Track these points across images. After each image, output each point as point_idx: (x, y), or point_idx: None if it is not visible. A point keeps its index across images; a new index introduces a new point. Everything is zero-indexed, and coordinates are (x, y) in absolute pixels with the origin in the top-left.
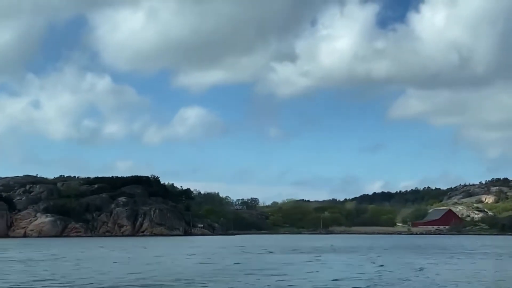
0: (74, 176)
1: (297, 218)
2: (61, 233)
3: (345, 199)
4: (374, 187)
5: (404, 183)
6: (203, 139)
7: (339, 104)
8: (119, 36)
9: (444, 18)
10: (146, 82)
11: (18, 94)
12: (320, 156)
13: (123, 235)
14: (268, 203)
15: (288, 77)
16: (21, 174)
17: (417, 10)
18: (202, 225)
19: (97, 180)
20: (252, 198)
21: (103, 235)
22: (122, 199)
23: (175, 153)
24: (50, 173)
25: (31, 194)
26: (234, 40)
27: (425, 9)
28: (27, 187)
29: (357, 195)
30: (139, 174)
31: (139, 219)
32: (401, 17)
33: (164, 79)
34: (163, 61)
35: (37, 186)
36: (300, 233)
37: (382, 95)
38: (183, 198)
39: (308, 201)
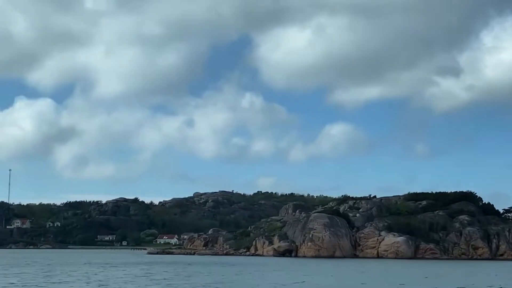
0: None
1: None
2: (414, 255)
3: None
4: None
5: None
6: (347, 156)
7: (498, 118)
8: (281, 54)
9: None
10: (299, 99)
11: (175, 114)
12: (467, 172)
13: (480, 259)
14: None
15: (449, 91)
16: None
17: None
18: None
19: (417, 196)
20: None
21: (459, 258)
22: (465, 217)
23: (319, 170)
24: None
25: (360, 210)
26: (398, 54)
27: None
28: (350, 202)
29: None
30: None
31: (494, 241)
32: None
33: (318, 96)
34: (322, 77)
35: (362, 202)
36: None
37: None
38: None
39: None
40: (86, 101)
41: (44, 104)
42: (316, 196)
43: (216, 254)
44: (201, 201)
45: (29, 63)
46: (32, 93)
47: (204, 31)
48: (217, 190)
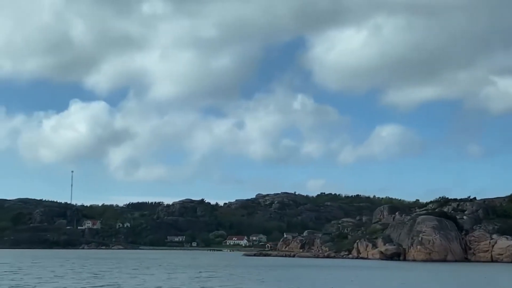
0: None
1: None
2: None
3: None
4: None
5: None
6: (399, 158)
7: None
8: (335, 55)
9: None
10: (351, 100)
11: (226, 116)
12: None
13: None
14: None
15: (507, 91)
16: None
17: None
18: None
19: None
20: None
21: None
22: None
23: (368, 172)
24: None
25: (466, 212)
26: (456, 54)
27: None
28: (453, 204)
29: None
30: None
31: None
32: None
33: (371, 97)
34: (376, 78)
35: (467, 203)
36: None
37: None
38: None
39: None
40: (140, 104)
41: (98, 107)
42: (382, 198)
43: (317, 256)
44: (266, 203)
45: (87, 67)
46: (87, 96)
47: (259, 32)
48: (278, 192)
